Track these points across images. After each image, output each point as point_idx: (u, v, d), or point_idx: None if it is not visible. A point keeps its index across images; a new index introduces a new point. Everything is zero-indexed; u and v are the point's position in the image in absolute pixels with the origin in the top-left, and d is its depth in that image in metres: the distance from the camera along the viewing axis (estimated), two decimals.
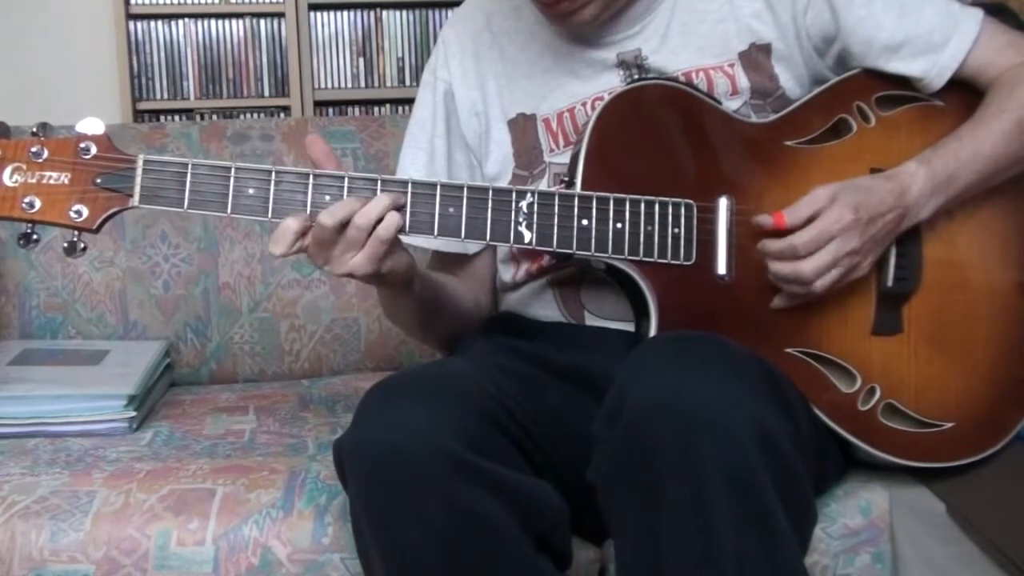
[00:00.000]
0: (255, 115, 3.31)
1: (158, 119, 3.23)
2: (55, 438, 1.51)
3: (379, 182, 1.17)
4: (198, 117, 3.24)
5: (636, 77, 1.36)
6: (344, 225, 1.14)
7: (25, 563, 1.26)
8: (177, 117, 3.27)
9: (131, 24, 3.26)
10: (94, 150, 1.15)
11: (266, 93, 3.34)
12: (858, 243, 1.22)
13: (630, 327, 1.31)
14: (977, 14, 1.34)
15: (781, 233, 1.22)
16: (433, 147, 1.45)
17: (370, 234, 1.14)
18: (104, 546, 1.27)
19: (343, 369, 1.90)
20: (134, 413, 1.55)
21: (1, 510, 1.29)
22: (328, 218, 1.13)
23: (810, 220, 1.21)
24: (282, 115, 3.30)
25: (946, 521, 1.30)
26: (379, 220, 1.14)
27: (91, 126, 1.16)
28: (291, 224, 1.14)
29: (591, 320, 1.37)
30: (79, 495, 1.31)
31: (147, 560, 1.27)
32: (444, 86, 1.46)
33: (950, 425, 1.31)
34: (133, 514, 1.29)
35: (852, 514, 1.30)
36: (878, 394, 1.29)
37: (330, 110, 3.39)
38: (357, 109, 3.40)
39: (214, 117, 3.24)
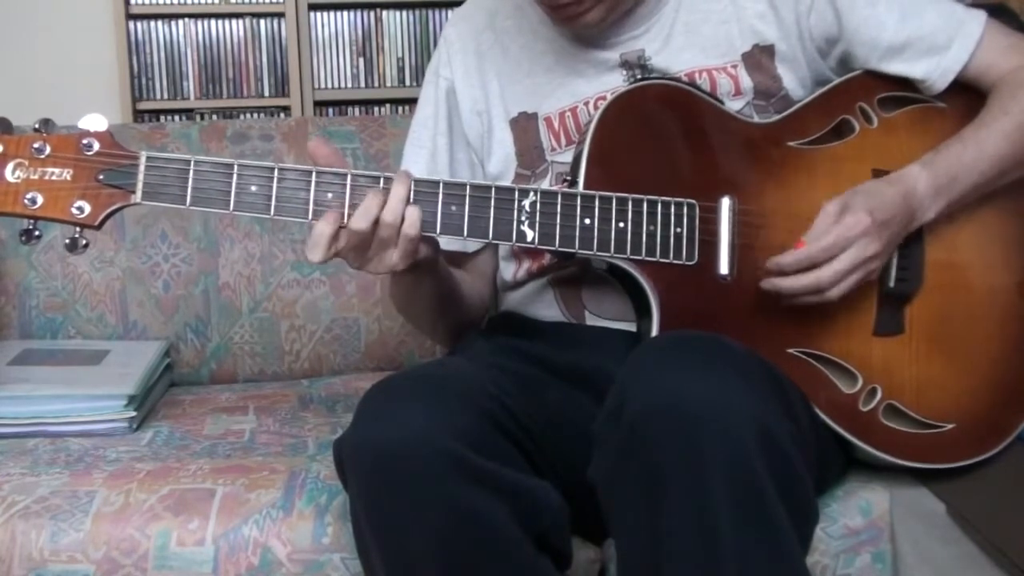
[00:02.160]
0: (255, 115, 3.31)
1: (158, 119, 3.23)
2: (55, 438, 1.50)
3: (381, 180, 1.17)
4: (198, 117, 3.24)
5: (639, 77, 1.36)
6: (376, 224, 1.14)
7: (25, 563, 1.26)
8: (177, 117, 3.26)
9: (131, 24, 3.26)
10: (97, 146, 1.15)
11: (266, 93, 3.34)
12: (878, 247, 1.21)
13: (631, 327, 1.32)
14: (980, 16, 1.34)
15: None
16: (435, 145, 1.45)
17: (399, 231, 1.15)
18: (104, 546, 1.27)
19: (343, 369, 1.90)
20: (134, 413, 1.55)
21: (1, 510, 1.28)
22: (362, 222, 1.14)
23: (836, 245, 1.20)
24: (282, 115, 3.30)
25: (946, 521, 1.30)
26: (403, 215, 1.15)
27: (94, 122, 1.16)
28: (325, 229, 1.14)
29: (591, 320, 1.37)
30: (79, 495, 1.31)
31: (147, 560, 1.27)
32: (446, 84, 1.46)
33: (951, 426, 1.31)
34: (133, 514, 1.29)
35: (852, 514, 1.30)
36: (879, 395, 1.29)
37: (330, 110, 3.39)
38: (357, 109, 3.40)
39: (214, 117, 3.23)
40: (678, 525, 1.02)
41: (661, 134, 1.29)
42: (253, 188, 1.16)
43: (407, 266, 1.18)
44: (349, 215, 1.15)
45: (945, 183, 1.28)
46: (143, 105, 3.28)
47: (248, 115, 3.29)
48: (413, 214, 1.16)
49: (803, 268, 1.21)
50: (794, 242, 1.22)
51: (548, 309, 1.40)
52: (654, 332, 1.23)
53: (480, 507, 1.07)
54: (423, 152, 1.45)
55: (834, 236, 1.20)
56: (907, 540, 1.31)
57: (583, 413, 1.19)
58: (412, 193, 1.18)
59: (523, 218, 1.20)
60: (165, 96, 3.32)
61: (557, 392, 1.29)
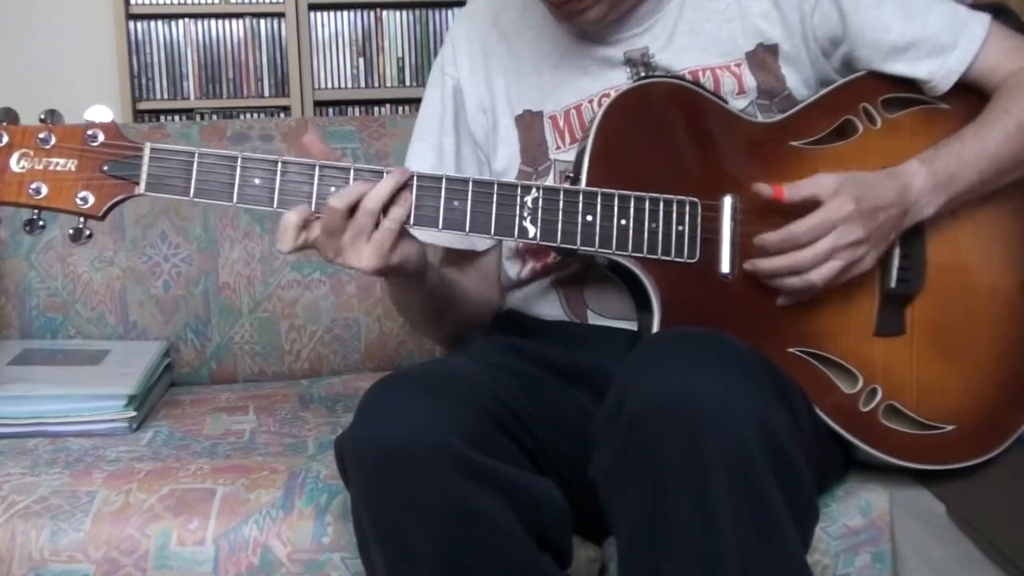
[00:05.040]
0: (255, 115, 3.30)
1: (158, 119, 3.23)
2: (55, 438, 1.50)
3: (384, 174, 1.17)
4: (198, 117, 3.24)
5: (643, 75, 1.36)
6: (353, 209, 1.14)
7: (25, 563, 1.26)
8: (177, 117, 3.26)
9: (131, 24, 3.26)
10: (101, 137, 1.15)
11: (266, 93, 3.34)
12: (860, 234, 1.21)
13: (633, 326, 1.31)
14: (984, 18, 1.35)
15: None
16: (442, 143, 1.45)
17: (378, 222, 1.15)
18: (104, 546, 1.27)
19: (343, 369, 1.90)
20: (134, 413, 1.55)
21: (1, 510, 1.28)
22: (338, 201, 1.14)
23: (809, 202, 1.21)
24: (282, 115, 3.30)
25: (946, 522, 1.30)
26: (387, 205, 1.15)
27: (99, 114, 1.16)
28: (291, 218, 1.14)
29: (594, 319, 1.37)
30: (79, 495, 1.31)
31: (147, 560, 1.27)
32: (452, 82, 1.46)
33: (951, 427, 1.31)
34: (133, 514, 1.29)
35: (852, 514, 1.30)
36: (879, 395, 1.29)
37: (330, 110, 3.39)
38: (357, 109, 3.40)
39: (214, 117, 3.23)
40: (679, 522, 1.02)
41: (664, 132, 1.29)
42: (256, 181, 1.16)
43: (381, 266, 1.16)
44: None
45: (944, 180, 1.28)
46: (143, 105, 3.28)
47: (248, 115, 3.29)
48: (399, 210, 1.15)
49: (785, 248, 1.21)
50: (781, 200, 1.22)
51: (550, 308, 1.40)
52: (655, 330, 1.23)
53: (481, 505, 1.07)
54: (429, 150, 1.45)
55: (817, 219, 1.20)
56: (907, 540, 1.31)
57: (584, 412, 1.19)
58: (414, 188, 1.18)
59: (525, 214, 1.20)
60: (165, 96, 3.32)
61: (558, 391, 1.29)
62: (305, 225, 1.15)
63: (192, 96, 3.32)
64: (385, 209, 1.16)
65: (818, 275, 1.21)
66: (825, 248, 1.20)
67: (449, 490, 1.06)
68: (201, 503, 1.30)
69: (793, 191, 1.22)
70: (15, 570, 1.25)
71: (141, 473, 1.36)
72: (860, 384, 1.29)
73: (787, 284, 1.24)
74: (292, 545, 1.28)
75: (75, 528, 1.27)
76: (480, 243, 1.42)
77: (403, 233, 1.17)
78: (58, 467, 1.39)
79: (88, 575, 1.26)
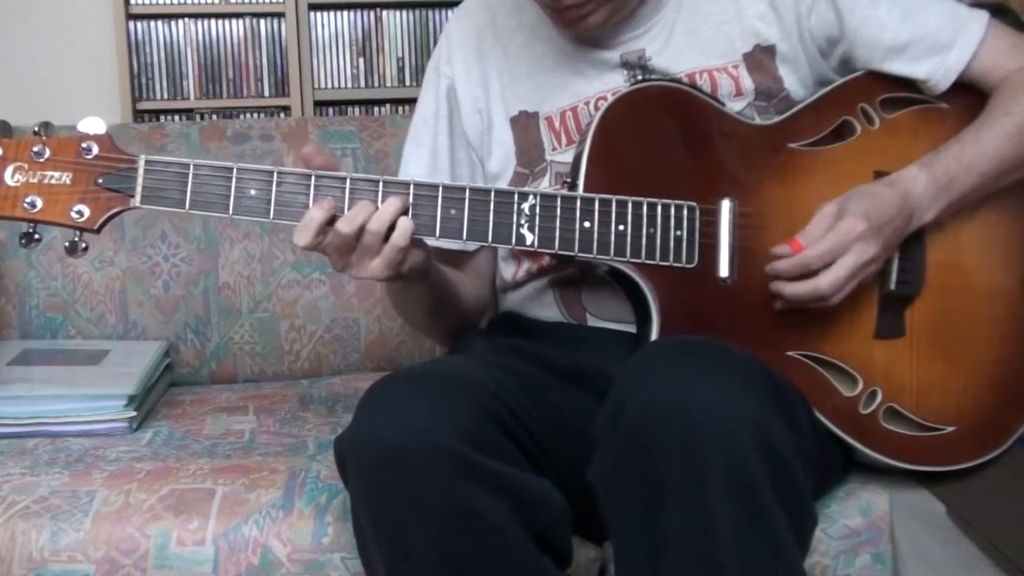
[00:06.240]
0: (255, 115, 3.30)
1: (158, 119, 3.23)
2: (55, 438, 1.50)
3: (381, 183, 1.17)
4: (198, 117, 3.24)
5: (640, 78, 1.36)
6: (361, 230, 1.14)
7: (25, 563, 1.26)
8: (177, 117, 3.26)
9: (131, 24, 3.26)
10: (96, 150, 1.15)
11: (266, 93, 3.34)
12: (875, 251, 1.21)
13: (631, 328, 1.31)
14: (983, 17, 1.34)
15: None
16: (436, 144, 1.45)
17: (385, 240, 1.15)
18: (104, 546, 1.27)
19: (343, 369, 1.90)
20: (134, 413, 1.55)
21: (1, 510, 1.28)
22: (346, 225, 1.14)
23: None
24: (282, 115, 3.30)
25: (946, 522, 1.30)
26: (392, 226, 1.15)
27: (93, 126, 1.16)
28: (316, 214, 1.14)
29: (592, 322, 1.37)
30: (79, 495, 1.31)
31: (147, 560, 1.27)
32: (447, 82, 1.46)
33: (952, 429, 1.31)
34: (133, 514, 1.29)
35: (852, 515, 1.30)
36: (879, 397, 1.29)
37: (330, 110, 3.39)
38: (357, 109, 3.39)
39: (214, 117, 3.23)
40: (677, 527, 1.02)
41: (661, 136, 1.29)
42: (252, 192, 1.16)
43: (390, 276, 1.18)
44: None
45: (944, 184, 1.28)
46: (143, 105, 3.28)
47: (248, 115, 3.29)
48: (404, 226, 1.16)
49: (799, 274, 1.21)
50: (790, 244, 1.22)
51: (548, 310, 1.40)
52: (654, 335, 1.23)
53: (481, 505, 1.07)
54: (424, 151, 1.45)
55: (830, 242, 1.20)
56: (907, 540, 1.31)
57: (584, 413, 1.19)
58: (411, 199, 1.18)
59: (523, 221, 1.20)
60: (165, 96, 3.31)
61: (558, 392, 1.29)
62: (329, 222, 1.15)
63: (192, 96, 3.32)
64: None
65: (838, 297, 1.22)
66: (844, 272, 1.20)
67: (449, 490, 1.06)
68: (201, 503, 1.30)
69: (807, 237, 1.21)
70: (15, 570, 1.26)
71: (141, 473, 1.36)
72: (860, 387, 1.29)
73: (807, 306, 1.23)
74: (292, 545, 1.28)
75: (75, 528, 1.27)
76: (471, 243, 1.42)
77: (412, 242, 1.18)
78: (58, 467, 1.39)
79: (88, 575, 1.26)
